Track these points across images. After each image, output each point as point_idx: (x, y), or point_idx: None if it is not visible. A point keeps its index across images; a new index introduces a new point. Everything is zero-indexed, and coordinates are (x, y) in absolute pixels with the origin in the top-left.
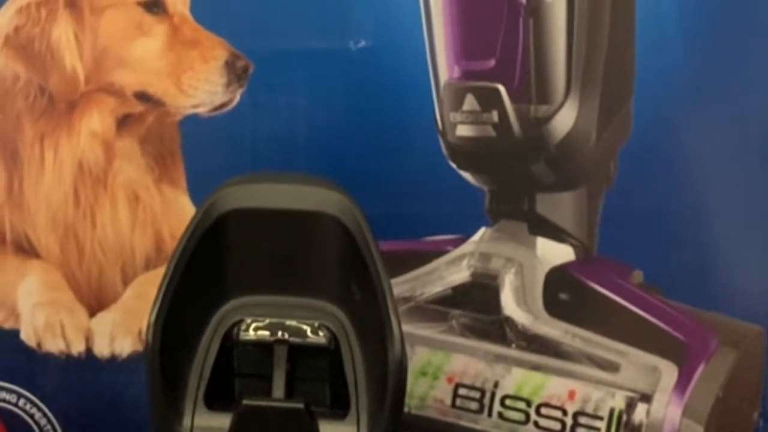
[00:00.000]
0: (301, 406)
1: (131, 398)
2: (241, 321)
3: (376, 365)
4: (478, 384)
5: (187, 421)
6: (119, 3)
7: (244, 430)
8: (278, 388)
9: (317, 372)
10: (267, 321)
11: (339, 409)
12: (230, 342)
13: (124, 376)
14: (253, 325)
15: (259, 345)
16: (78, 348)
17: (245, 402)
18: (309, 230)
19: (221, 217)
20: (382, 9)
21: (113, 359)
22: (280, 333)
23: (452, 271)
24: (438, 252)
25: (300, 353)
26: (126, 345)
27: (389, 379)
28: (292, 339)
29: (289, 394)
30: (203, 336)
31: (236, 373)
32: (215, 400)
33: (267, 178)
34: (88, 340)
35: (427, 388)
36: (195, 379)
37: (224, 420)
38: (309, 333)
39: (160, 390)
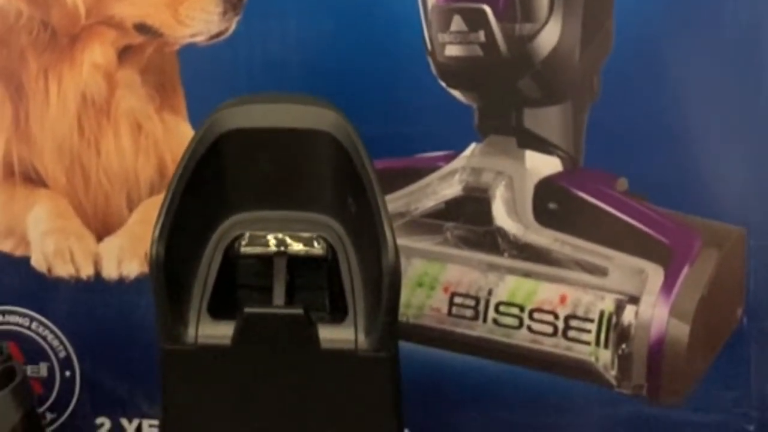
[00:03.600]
0: (300, 311)
1: (139, 318)
2: (241, 235)
3: (372, 272)
4: (472, 292)
5: (191, 330)
6: None
7: (246, 337)
8: (278, 297)
9: (316, 281)
10: (266, 234)
11: (337, 314)
12: (232, 256)
13: (131, 297)
14: (253, 239)
15: (260, 258)
16: (87, 272)
17: (247, 310)
18: (304, 147)
19: (219, 137)
20: None
21: (121, 282)
22: (278, 245)
23: (445, 185)
24: (431, 168)
25: (299, 264)
26: (133, 268)
27: (384, 282)
28: (290, 250)
29: (290, 303)
30: (205, 250)
31: (238, 285)
32: (219, 311)
33: (262, 99)
34: (96, 264)
35: (424, 298)
36: (199, 291)
37: (228, 328)
38: (307, 245)
39: (165, 301)
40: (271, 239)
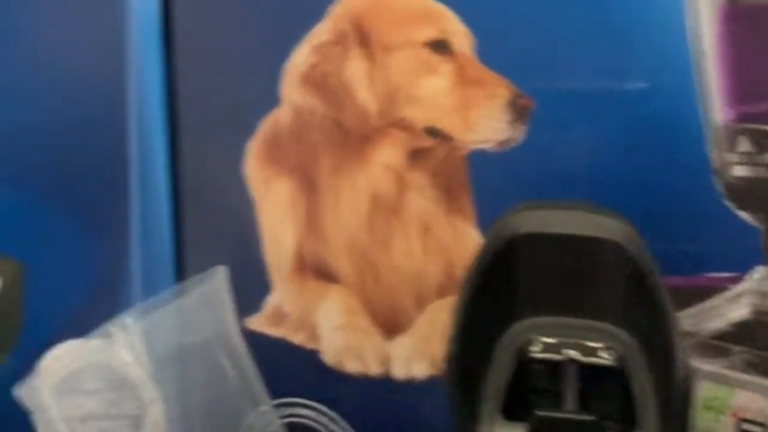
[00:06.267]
0: (593, 418)
1: (426, 420)
2: (531, 340)
3: (663, 385)
4: (761, 419)
5: (485, 429)
6: (408, 43)
7: None
8: (570, 403)
9: (605, 390)
10: (557, 340)
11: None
12: (522, 359)
13: (420, 398)
14: (544, 344)
15: (551, 363)
16: (376, 370)
17: (539, 413)
18: (594, 256)
19: (512, 240)
20: (659, 52)
21: (410, 382)
22: (570, 352)
23: (732, 308)
24: (717, 288)
25: (588, 372)
26: (422, 369)
27: (675, 399)
28: (581, 359)
29: (581, 410)
30: (496, 351)
31: (528, 388)
32: (510, 412)
33: (553, 205)
34: (385, 362)
35: (711, 422)
36: (491, 390)
37: (519, 430)
38: (598, 353)
39: (460, 400)
40: (562, 346)
